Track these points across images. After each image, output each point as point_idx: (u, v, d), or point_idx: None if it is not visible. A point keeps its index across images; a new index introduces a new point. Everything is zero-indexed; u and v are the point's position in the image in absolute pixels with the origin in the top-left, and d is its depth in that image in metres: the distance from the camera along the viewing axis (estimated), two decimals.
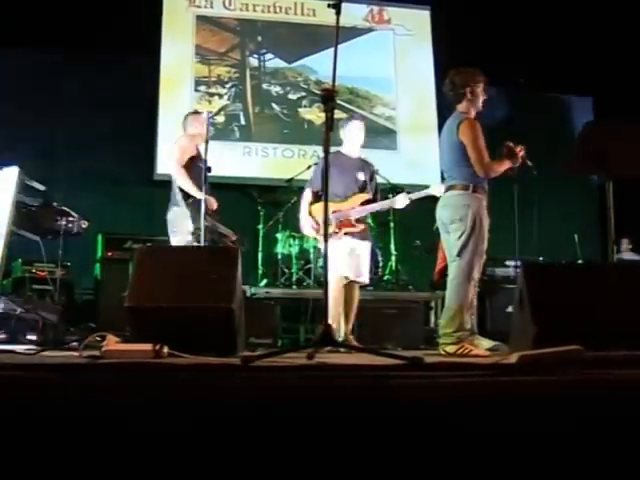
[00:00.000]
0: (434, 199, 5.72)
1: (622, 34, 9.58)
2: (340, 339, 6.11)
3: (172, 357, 3.69)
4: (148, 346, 3.65)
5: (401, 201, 6.54)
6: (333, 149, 6.59)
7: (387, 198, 6.76)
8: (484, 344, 5.35)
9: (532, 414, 2.36)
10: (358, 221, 6.40)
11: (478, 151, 5.26)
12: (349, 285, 6.36)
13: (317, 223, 6.37)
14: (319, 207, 6.30)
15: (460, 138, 5.30)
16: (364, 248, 6.47)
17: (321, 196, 6.28)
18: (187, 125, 6.69)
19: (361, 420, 2.24)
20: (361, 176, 6.54)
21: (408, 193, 6.57)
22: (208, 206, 6.15)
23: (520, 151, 5.42)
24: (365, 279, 6.54)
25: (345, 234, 6.31)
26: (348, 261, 6.28)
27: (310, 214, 6.47)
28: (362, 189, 6.53)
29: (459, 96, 5.50)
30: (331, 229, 6.14)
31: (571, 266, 6.29)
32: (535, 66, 9.96)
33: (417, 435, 2.25)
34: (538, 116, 10.60)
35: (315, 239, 6.97)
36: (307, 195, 6.56)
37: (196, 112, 6.95)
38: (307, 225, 6.49)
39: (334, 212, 6.19)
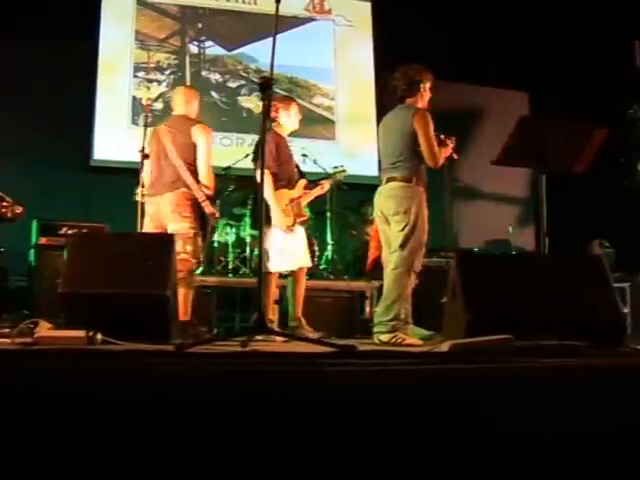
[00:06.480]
0: (372, 189, 5.75)
1: (560, 31, 9.71)
2: (292, 324, 6.13)
3: (106, 344, 3.68)
4: (81, 333, 3.65)
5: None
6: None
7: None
8: (418, 333, 5.43)
9: (462, 401, 2.41)
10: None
11: (430, 141, 5.41)
12: (301, 271, 6.23)
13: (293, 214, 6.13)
14: (281, 196, 6.06)
15: (414, 127, 5.41)
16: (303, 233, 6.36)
17: (279, 180, 6.08)
18: (187, 102, 6.10)
19: (293, 406, 2.26)
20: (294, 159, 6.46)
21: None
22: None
23: (451, 143, 5.66)
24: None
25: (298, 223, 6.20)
26: (306, 250, 6.29)
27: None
28: (300, 173, 6.46)
29: (413, 90, 5.61)
30: (291, 221, 6.09)
31: (504, 256, 6.43)
32: (474, 60, 10.05)
33: (350, 421, 2.28)
34: (475, 109, 10.72)
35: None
36: (270, 181, 5.93)
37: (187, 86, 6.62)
38: (282, 220, 6.03)
39: (291, 201, 6.13)
